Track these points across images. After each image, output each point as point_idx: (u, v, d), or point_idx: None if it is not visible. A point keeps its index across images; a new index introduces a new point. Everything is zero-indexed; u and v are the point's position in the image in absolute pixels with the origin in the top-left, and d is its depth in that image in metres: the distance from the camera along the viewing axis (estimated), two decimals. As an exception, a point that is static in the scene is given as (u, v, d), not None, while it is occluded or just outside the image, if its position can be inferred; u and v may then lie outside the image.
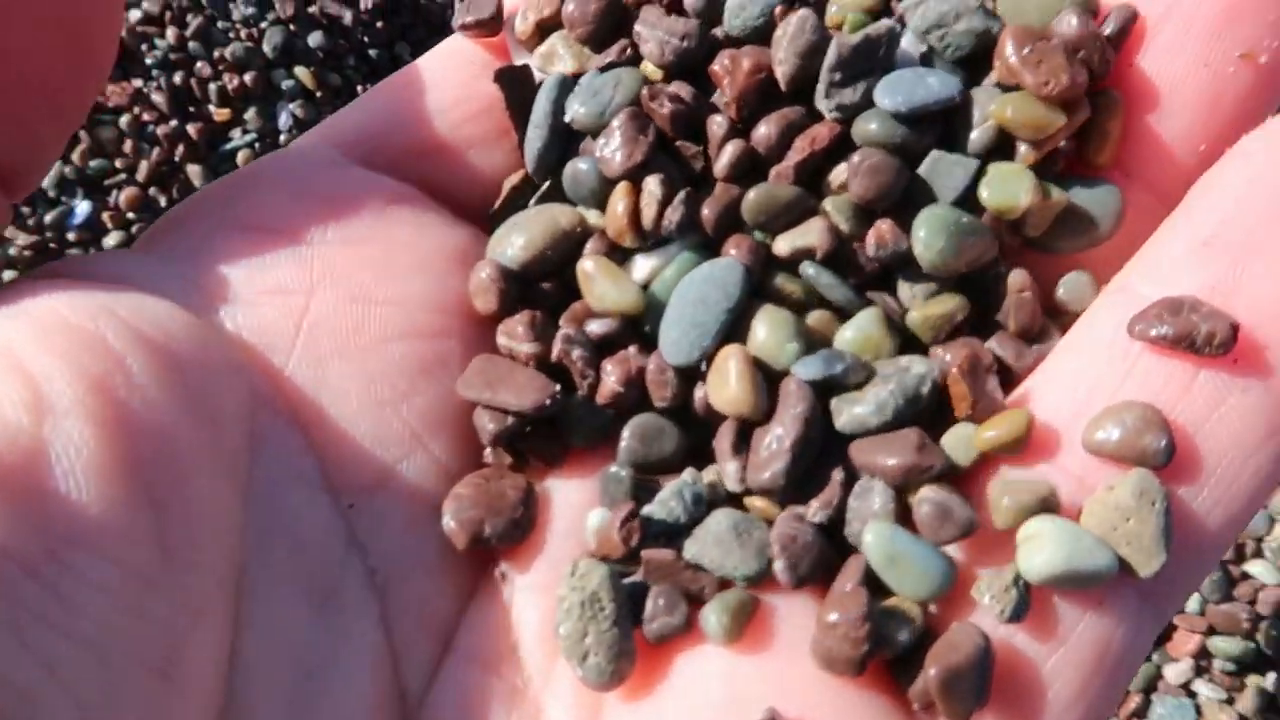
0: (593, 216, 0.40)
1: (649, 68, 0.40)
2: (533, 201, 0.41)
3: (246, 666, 0.33)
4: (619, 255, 0.40)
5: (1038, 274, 0.39)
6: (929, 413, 0.37)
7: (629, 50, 0.40)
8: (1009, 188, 0.37)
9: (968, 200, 0.37)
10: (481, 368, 0.38)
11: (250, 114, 1.01)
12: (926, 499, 0.35)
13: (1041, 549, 0.34)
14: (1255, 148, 0.36)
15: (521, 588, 0.38)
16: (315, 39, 1.03)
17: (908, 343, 0.38)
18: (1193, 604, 0.79)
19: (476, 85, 0.43)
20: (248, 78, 1.01)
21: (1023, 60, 0.36)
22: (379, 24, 1.07)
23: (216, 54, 1.01)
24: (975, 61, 0.38)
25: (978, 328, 0.39)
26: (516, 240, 0.39)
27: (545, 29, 0.42)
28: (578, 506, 0.39)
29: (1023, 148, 0.37)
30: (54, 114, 0.36)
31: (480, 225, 0.43)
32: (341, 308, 0.38)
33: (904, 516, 0.36)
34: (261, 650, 0.34)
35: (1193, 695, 0.80)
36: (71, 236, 0.98)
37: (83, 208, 0.98)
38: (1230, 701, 0.79)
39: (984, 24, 0.37)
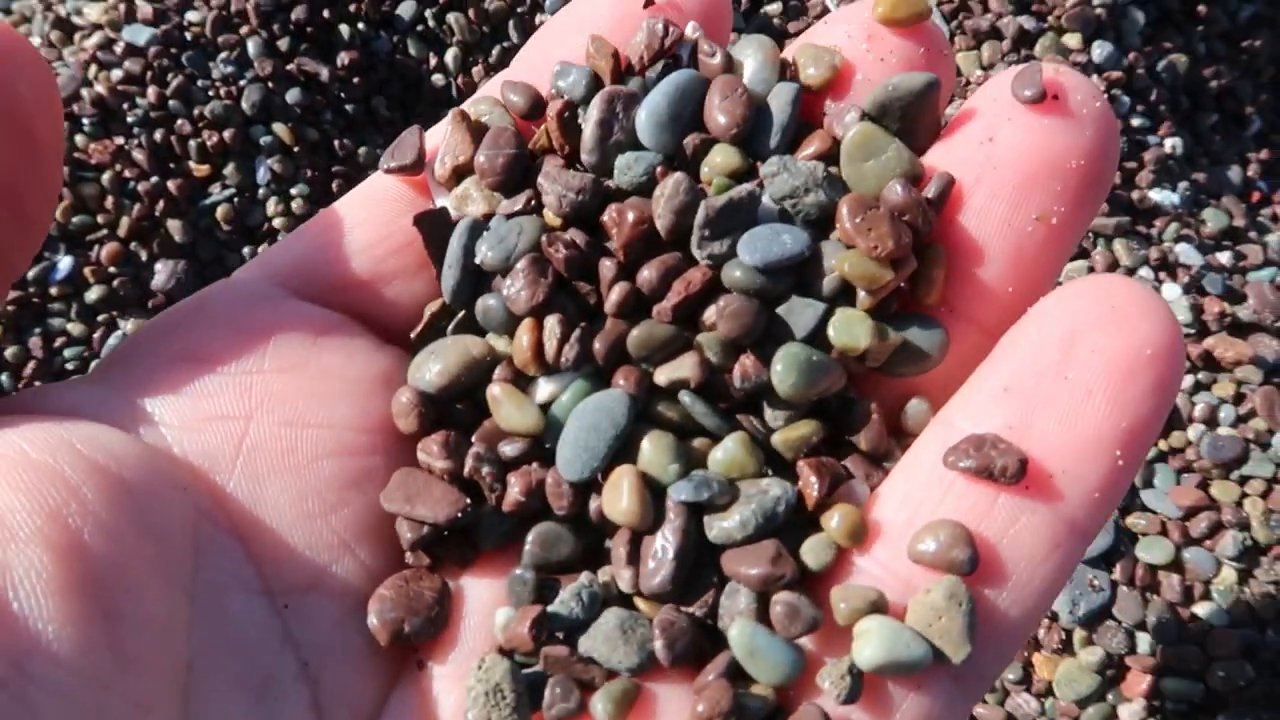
0: (501, 344, 0.47)
1: (549, 214, 0.47)
2: (450, 329, 0.47)
3: None
4: (524, 378, 0.46)
5: (882, 394, 0.46)
6: (788, 525, 0.43)
7: (533, 200, 0.47)
8: (851, 331, 0.43)
9: (818, 336, 0.44)
10: (402, 481, 0.45)
11: (230, 169, 1.06)
12: (780, 600, 0.42)
13: (870, 643, 0.41)
14: (1047, 310, 0.43)
15: (438, 676, 0.44)
16: (293, 96, 1.08)
17: (773, 458, 0.45)
18: (1144, 645, 0.82)
19: (399, 222, 0.49)
20: (227, 134, 1.05)
21: (855, 228, 0.43)
22: (355, 80, 1.11)
23: (196, 111, 1.05)
24: (825, 220, 0.45)
25: (835, 446, 0.46)
26: (433, 367, 0.46)
27: (461, 173, 0.48)
28: (488, 603, 0.45)
29: (861, 294, 0.44)
30: None
31: (404, 346, 0.49)
32: (277, 431, 0.44)
33: (766, 613, 0.43)
34: None
35: (1147, 735, 0.83)
36: (54, 291, 1.02)
37: (65, 263, 1.02)
38: (1183, 740, 0.82)
39: (828, 196, 0.44)
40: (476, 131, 0.48)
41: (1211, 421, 0.89)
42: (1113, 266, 0.97)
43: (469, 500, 0.44)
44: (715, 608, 0.44)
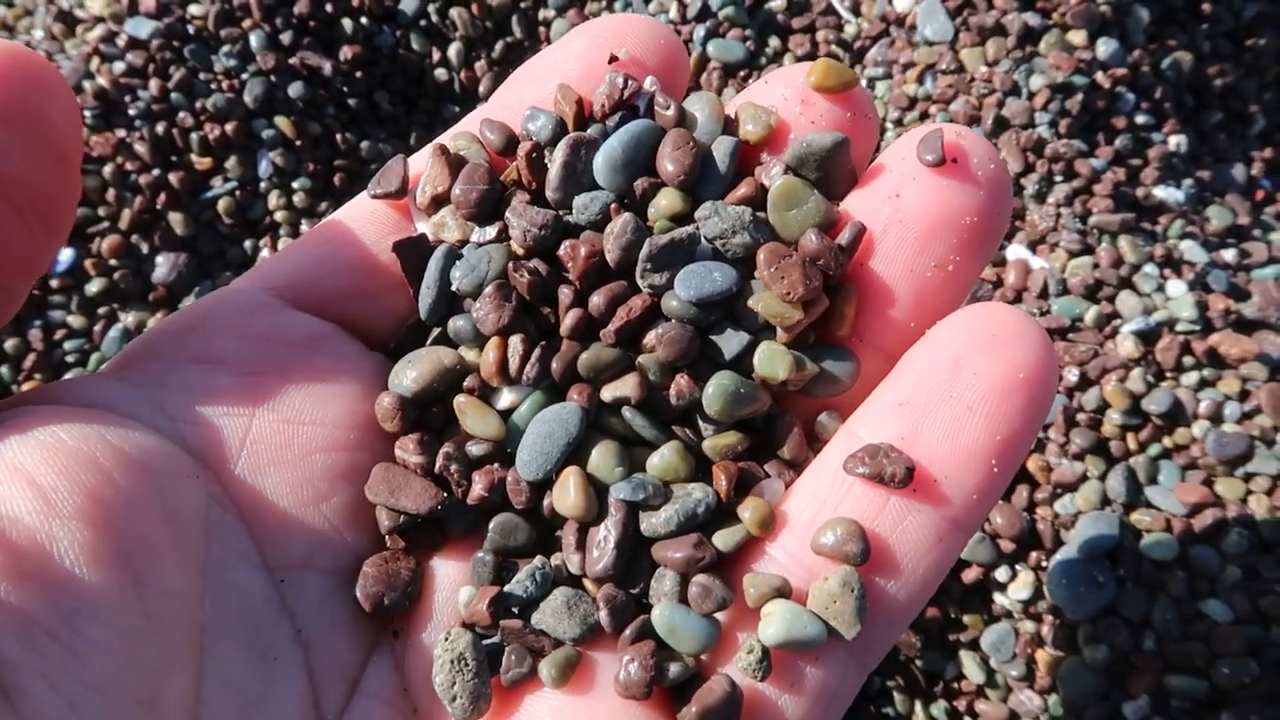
0: (471, 355, 0.59)
1: (515, 245, 0.59)
2: (429, 342, 0.60)
3: (208, 701, 0.50)
4: (489, 387, 0.59)
5: (803, 408, 0.59)
6: (705, 522, 0.56)
7: (503, 231, 0.59)
8: (773, 363, 0.57)
9: (744, 362, 0.57)
10: (383, 476, 0.58)
11: (231, 162, 1.17)
12: (696, 582, 0.55)
13: (773, 623, 0.53)
14: (939, 335, 0.56)
15: (411, 645, 0.57)
16: (296, 89, 1.19)
17: (704, 462, 0.58)
18: (1149, 642, 0.89)
19: (383, 242, 0.61)
20: (229, 127, 1.16)
21: (770, 275, 0.56)
22: (358, 74, 1.22)
23: (198, 104, 1.16)
24: (751, 258, 0.57)
25: (759, 452, 0.59)
26: (410, 374, 0.59)
27: (439, 202, 0.61)
28: (454, 581, 0.58)
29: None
30: (21, 271, 0.50)
31: (386, 353, 0.61)
32: (276, 427, 0.56)
33: (687, 596, 0.56)
34: (218, 690, 0.51)
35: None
36: (55, 283, 1.13)
37: (66, 255, 1.13)
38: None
39: (753, 238, 0.57)
40: (455, 164, 0.61)
41: (1217, 418, 0.96)
42: (1118, 262, 1.06)
43: (446, 494, 0.57)
44: (647, 587, 0.57)
